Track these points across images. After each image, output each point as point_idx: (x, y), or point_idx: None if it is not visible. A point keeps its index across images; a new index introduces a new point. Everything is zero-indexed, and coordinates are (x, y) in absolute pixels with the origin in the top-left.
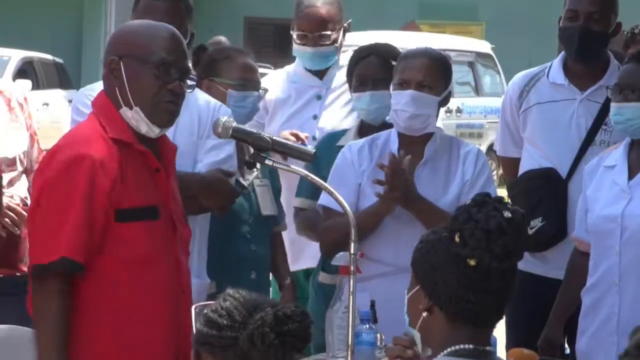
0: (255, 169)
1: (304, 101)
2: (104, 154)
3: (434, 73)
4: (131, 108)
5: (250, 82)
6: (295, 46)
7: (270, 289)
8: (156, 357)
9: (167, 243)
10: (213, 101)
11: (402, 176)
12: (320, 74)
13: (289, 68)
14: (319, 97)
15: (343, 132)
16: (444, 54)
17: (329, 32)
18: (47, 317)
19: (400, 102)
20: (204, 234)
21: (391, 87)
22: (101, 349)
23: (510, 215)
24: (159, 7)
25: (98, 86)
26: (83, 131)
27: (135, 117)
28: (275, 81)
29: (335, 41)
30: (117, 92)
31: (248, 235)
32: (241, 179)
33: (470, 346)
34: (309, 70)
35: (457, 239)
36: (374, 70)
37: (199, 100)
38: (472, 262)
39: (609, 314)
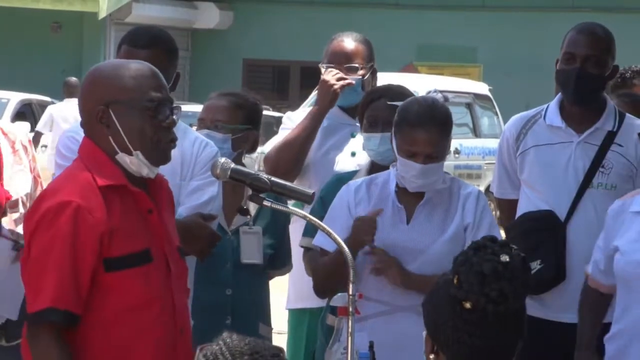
0: (248, 216)
1: (339, 138)
2: (92, 203)
3: (441, 141)
4: (130, 153)
5: (217, 124)
6: None
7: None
8: None
9: (162, 284)
10: (199, 140)
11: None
12: (352, 112)
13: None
14: (353, 135)
15: (353, 173)
16: (445, 106)
17: (357, 65)
18: None
19: (409, 172)
20: (190, 275)
21: (394, 140)
22: None
23: (507, 259)
24: (139, 55)
25: (80, 127)
26: (70, 179)
27: (135, 162)
28: (298, 122)
29: (363, 76)
30: (111, 140)
31: (223, 280)
32: (224, 224)
33: None
34: (342, 108)
35: (455, 281)
36: (385, 112)
37: (184, 141)
38: (468, 305)
39: None
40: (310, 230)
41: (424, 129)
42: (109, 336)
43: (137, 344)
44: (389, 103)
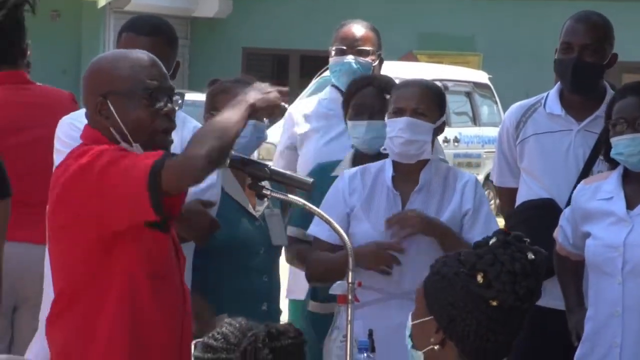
0: (266, 199)
1: (341, 129)
2: None
3: (428, 101)
4: (131, 145)
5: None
6: (332, 61)
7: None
8: None
9: (174, 263)
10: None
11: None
12: None
13: (318, 97)
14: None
15: (336, 163)
16: (438, 84)
17: (368, 49)
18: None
19: (395, 128)
20: (188, 263)
21: (386, 117)
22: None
23: (533, 256)
24: (140, 43)
25: (80, 115)
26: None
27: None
28: (303, 112)
29: (373, 62)
30: (112, 131)
31: (260, 267)
32: (252, 210)
33: None
34: None
35: (480, 279)
36: (372, 100)
37: (183, 130)
38: (495, 303)
39: (610, 345)
40: (296, 219)
41: (410, 87)
42: (129, 300)
43: (158, 315)
44: (387, 97)
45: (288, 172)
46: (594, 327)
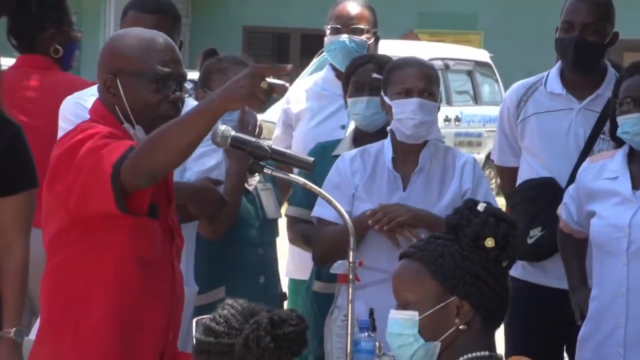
0: (257, 174)
1: (333, 110)
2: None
3: (432, 81)
4: (133, 126)
5: None
6: (327, 40)
7: (286, 292)
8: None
9: (164, 248)
10: None
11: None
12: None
13: (316, 77)
14: (346, 107)
15: (337, 142)
16: (439, 62)
17: (362, 27)
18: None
19: (406, 110)
20: (191, 242)
21: (386, 98)
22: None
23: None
24: (146, 20)
25: (85, 93)
26: (91, 126)
27: (138, 136)
28: (299, 91)
29: (368, 40)
30: (117, 109)
31: (255, 239)
32: (245, 184)
33: (486, 353)
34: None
35: (490, 243)
36: (371, 77)
37: (187, 108)
38: (505, 264)
39: (614, 326)
40: (299, 199)
41: (413, 67)
42: (117, 283)
43: (143, 301)
44: (374, 76)
45: (289, 152)
46: (598, 307)
